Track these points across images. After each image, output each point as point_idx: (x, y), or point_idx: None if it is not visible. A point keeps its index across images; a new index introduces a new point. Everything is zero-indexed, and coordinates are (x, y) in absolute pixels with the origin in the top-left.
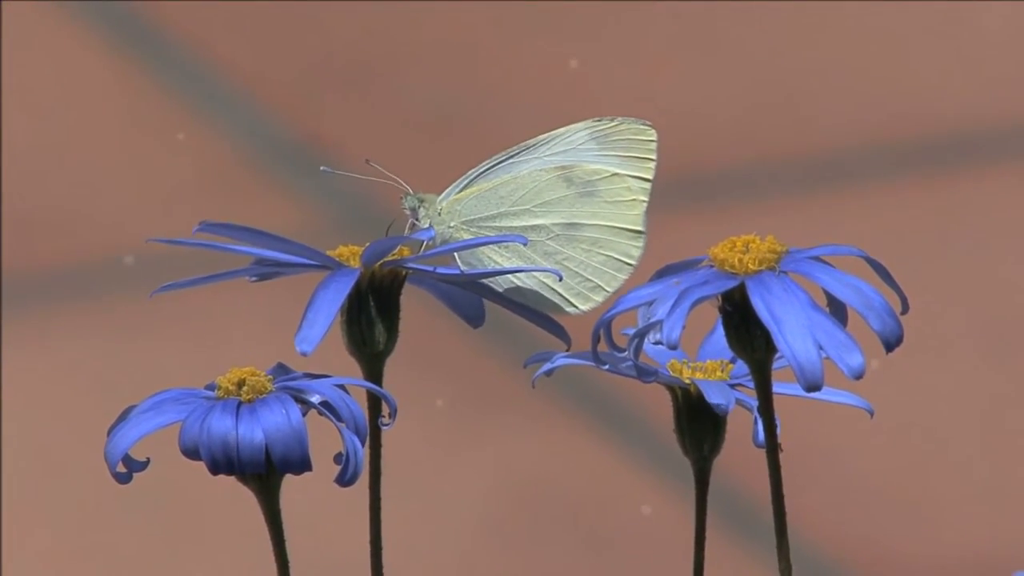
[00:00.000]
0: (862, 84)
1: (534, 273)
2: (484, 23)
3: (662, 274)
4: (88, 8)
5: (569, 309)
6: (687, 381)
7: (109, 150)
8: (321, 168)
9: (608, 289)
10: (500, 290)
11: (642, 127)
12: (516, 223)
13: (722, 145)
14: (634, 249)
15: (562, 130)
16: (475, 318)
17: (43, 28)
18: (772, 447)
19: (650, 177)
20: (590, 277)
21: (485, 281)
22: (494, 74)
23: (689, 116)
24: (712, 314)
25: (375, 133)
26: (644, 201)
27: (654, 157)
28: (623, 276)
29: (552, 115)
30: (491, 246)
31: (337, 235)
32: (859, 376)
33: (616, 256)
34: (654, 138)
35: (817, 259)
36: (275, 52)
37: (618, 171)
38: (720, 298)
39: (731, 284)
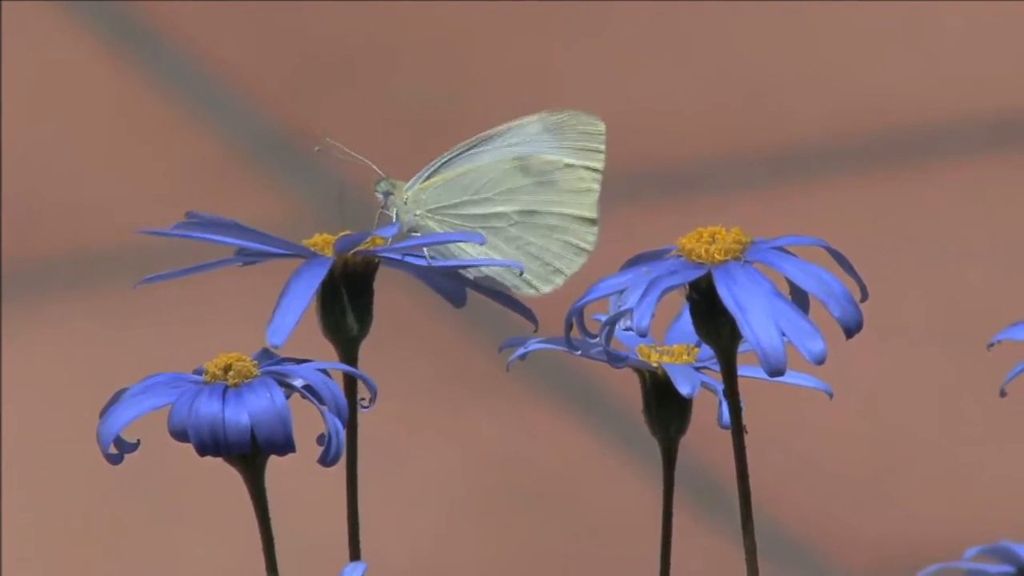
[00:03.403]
0: (826, 80)
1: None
2: (470, 22)
3: (632, 264)
4: (84, 7)
5: (531, 291)
6: (655, 365)
7: (104, 145)
8: (316, 148)
9: (567, 272)
10: (470, 277)
11: (590, 119)
12: (478, 211)
13: (690, 140)
14: (589, 235)
15: (517, 122)
16: (456, 298)
17: (41, 26)
18: (737, 428)
19: (600, 167)
20: (550, 261)
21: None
22: (479, 72)
23: (659, 112)
24: (678, 300)
25: (362, 129)
26: (596, 190)
27: (603, 148)
28: (581, 260)
29: (537, 112)
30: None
31: (322, 225)
32: (820, 361)
33: (573, 242)
34: (602, 130)
35: (780, 249)
36: (264, 50)
37: (571, 161)
38: (688, 287)
39: (698, 273)
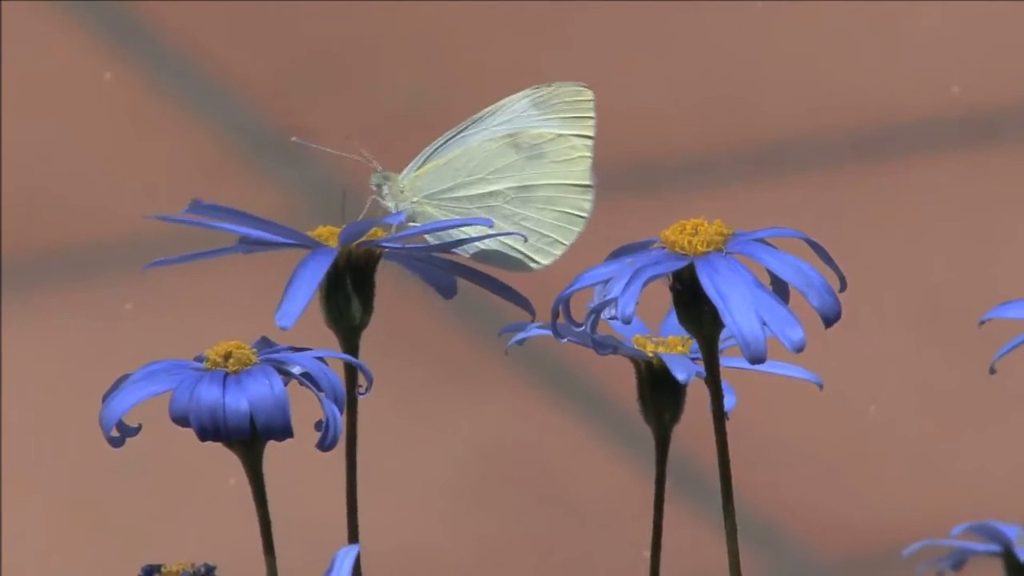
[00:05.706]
0: (805, 77)
1: (499, 237)
2: (457, 20)
3: (617, 255)
4: (83, 7)
5: (532, 265)
6: (651, 354)
7: (102, 141)
8: (292, 139)
9: (565, 243)
10: (466, 255)
11: (578, 88)
12: (473, 191)
13: (673, 135)
14: (585, 202)
15: (504, 101)
16: (447, 289)
17: (41, 26)
18: (719, 415)
19: (591, 134)
20: (547, 233)
21: (451, 256)
22: (466, 69)
23: (639, 109)
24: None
25: (353, 125)
26: (589, 156)
27: (593, 115)
28: (577, 229)
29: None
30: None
31: (315, 220)
32: (799, 349)
33: (569, 211)
34: (590, 97)
35: (761, 241)
36: (259, 48)
37: (561, 132)
38: (671, 277)
39: (681, 264)
